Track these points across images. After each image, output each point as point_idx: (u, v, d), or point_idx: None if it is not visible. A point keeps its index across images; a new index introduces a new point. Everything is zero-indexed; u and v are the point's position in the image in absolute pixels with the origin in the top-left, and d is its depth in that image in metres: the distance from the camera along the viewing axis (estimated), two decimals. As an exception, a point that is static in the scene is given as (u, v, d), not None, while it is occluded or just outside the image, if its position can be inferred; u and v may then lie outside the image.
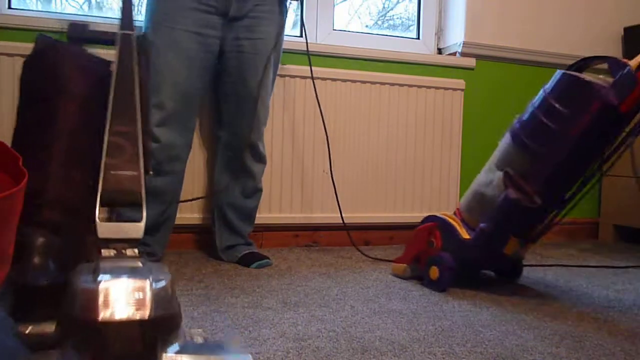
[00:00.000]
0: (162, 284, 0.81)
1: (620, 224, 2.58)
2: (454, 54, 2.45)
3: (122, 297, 0.77)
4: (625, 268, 1.99)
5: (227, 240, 1.92)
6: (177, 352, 0.82)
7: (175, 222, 1.91)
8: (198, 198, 1.99)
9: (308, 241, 2.23)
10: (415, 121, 2.34)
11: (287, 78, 2.13)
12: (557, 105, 1.45)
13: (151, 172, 1.07)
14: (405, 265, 1.68)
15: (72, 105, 1.13)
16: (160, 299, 0.79)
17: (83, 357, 0.76)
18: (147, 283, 0.79)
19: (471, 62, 2.44)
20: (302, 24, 2.14)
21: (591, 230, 2.70)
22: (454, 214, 1.67)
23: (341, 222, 2.10)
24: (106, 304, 0.76)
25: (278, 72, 1.99)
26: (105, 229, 0.90)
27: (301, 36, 2.27)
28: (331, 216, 2.14)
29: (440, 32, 2.54)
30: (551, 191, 1.47)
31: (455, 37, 2.46)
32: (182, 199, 1.96)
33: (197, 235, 2.08)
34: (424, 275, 1.61)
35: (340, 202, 2.10)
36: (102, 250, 0.89)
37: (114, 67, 1.09)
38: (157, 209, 1.76)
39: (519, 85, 2.54)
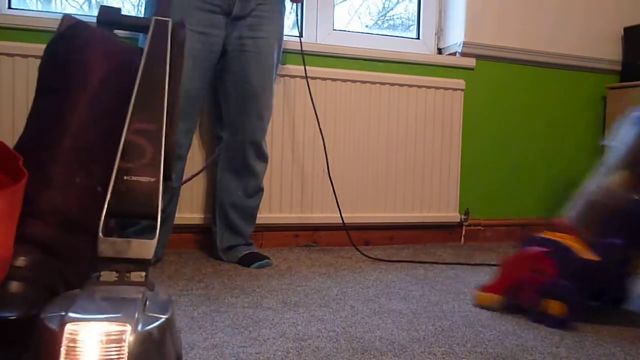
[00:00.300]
0: (153, 328, 0.64)
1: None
2: (454, 54, 2.45)
3: (90, 347, 0.60)
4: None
5: (227, 240, 1.92)
6: None
7: (176, 222, 1.91)
8: (197, 173, 1.98)
9: (308, 241, 2.23)
10: (415, 121, 2.34)
11: (287, 78, 2.13)
12: None
13: (172, 182, 0.96)
14: (496, 295, 1.40)
15: (84, 97, 0.98)
16: (143, 351, 0.62)
17: None
18: (127, 329, 0.61)
19: (471, 62, 2.44)
20: (297, 22, 2.13)
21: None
22: (556, 229, 1.42)
23: (341, 222, 2.10)
24: (70, 354, 0.60)
25: (278, 72, 1.99)
26: (108, 246, 0.75)
27: (300, 36, 2.27)
28: (331, 216, 2.14)
29: (440, 32, 2.54)
30: None
31: (455, 37, 2.46)
32: (182, 198, 1.96)
33: (197, 235, 2.08)
34: (531, 309, 1.32)
35: (340, 202, 2.10)
36: (102, 273, 0.74)
37: (143, 55, 0.93)
38: None
39: (519, 85, 2.54)
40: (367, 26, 2.56)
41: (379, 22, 2.61)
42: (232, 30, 1.79)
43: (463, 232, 2.44)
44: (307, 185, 2.19)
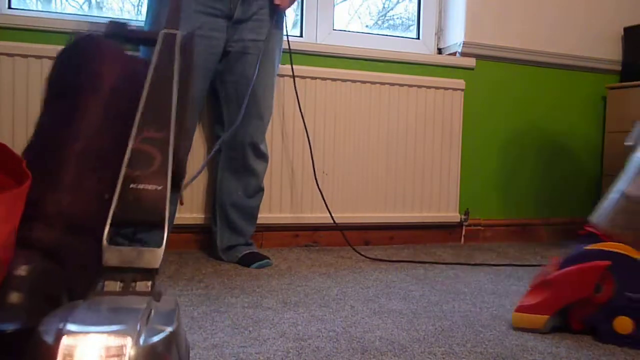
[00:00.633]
0: (156, 341, 0.60)
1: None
2: (454, 54, 2.45)
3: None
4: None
5: (228, 240, 1.92)
6: None
7: (176, 222, 1.91)
8: (198, 173, 1.98)
9: (308, 241, 2.23)
10: (415, 121, 2.34)
11: (286, 78, 2.13)
12: None
13: (182, 196, 0.94)
14: (547, 317, 1.22)
15: (96, 102, 0.97)
16: None
17: None
18: (127, 342, 0.58)
19: (471, 62, 2.44)
20: (277, 17, 2.00)
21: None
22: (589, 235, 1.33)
23: (342, 222, 2.10)
24: None
25: (278, 72, 1.99)
26: (113, 254, 0.72)
27: (301, 36, 2.27)
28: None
29: (440, 32, 2.54)
30: None
31: (455, 37, 2.46)
32: (182, 198, 1.95)
33: (197, 235, 2.08)
34: (595, 329, 1.21)
35: (340, 202, 2.10)
36: (106, 283, 0.71)
37: (151, 65, 0.93)
38: None
39: (519, 85, 2.54)
40: (367, 26, 2.56)
41: (379, 22, 2.61)
42: (233, 33, 1.80)
43: (463, 232, 2.44)
44: (308, 186, 2.19)
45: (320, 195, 2.13)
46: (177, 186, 0.87)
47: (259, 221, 2.01)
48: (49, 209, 0.85)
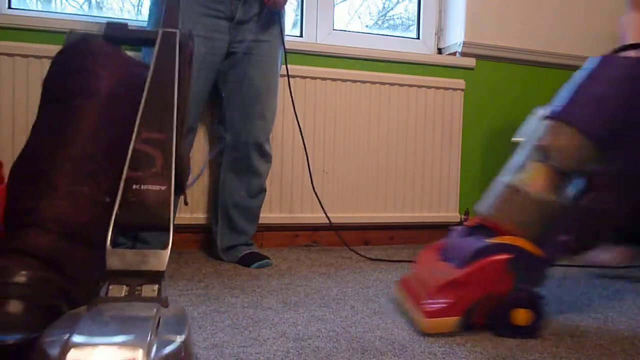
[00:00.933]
0: (167, 351, 0.57)
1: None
2: (454, 54, 2.45)
3: None
4: (625, 268, 1.99)
5: (228, 240, 1.92)
6: None
7: (176, 222, 1.90)
8: (200, 174, 1.98)
9: (308, 241, 2.23)
10: (415, 121, 2.34)
11: (286, 78, 2.12)
12: None
13: (186, 195, 0.92)
14: (457, 318, 1.19)
15: (92, 106, 0.94)
16: None
17: None
18: (139, 355, 0.54)
19: (471, 62, 2.44)
20: (273, 16, 2.00)
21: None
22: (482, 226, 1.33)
23: (341, 222, 2.10)
24: None
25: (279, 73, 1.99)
26: (117, 258, 0.70)
27: (301, 36, 2.27)
28: (331, 216, 2.14)
29: (440, 32, 2.54)
30: None
31: (455, 37, 2.46)
32: (186, 198, 1.96)
33: (198, 235, 2.08)
34: (494, 323, 1.21)
35: (339, 202, 2.10)
36: (111, 287, 0.68)
37: (151, 66, 0.93)
38: None
39: (519, 85, 2.54)
40: (367, 26, 2.56)
41: (379, 22, 2.61)
42: (235, 34, 1.80)
43: (463, 232, 2.44)
44: (307, 185, 2.19)
45: (320, 195, 2.13)
46: (180, 186, 0.86)
47: (259, 221, 2.01)
48: (45, 215, 0.82)
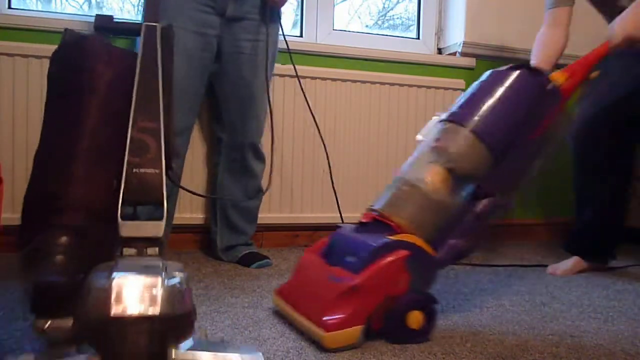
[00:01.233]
0: (175, 281, 0.82)
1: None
2: (454, 54, 2.46)
3: (133, 294, 0.78)
4: (625, 268, 1.99)
5: (227, 240, 1.92)
6: (190, 349, 0.82)
7: (175, 222, 1.91)
8: (200, 195, 2.00)
9: (308, 241, 2.23)
10: (415, 121, 2.34)
11: (286, 78, 2.13)
12: None
13: (173, 167, 1.10)
14: (360, 327, 1.10)
15: (94, 102, 1.11)
16: (172, 296, 0.80)
17: (97, 351, 0.77)
18: (159, 280, 0.79)
19: (471, 62, 2.44)
20: (271, 14, 1.99)
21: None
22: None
23: (342, 222, 2.10)
24: (118, 300, 0.77)
25: (278, 72, 1.99)
26: (127, 227, 0.92)
27: (301, 36, 2.27)
28: (331, 216, 2.13)
29: (440, 32, 2.54)
30: None
31: (455, 37, 2.46)
32: (182, 198, 1.96)
33: (197, 235, 2.08)
34: (390, 326, 1.14)
35: (340, 202, 2.09)
36: (124, 249, 0.91)
37: (138, 60, 1.09)
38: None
39: (519, 85, 2.53)
40: (367, 26, 2.56)
41: (379, 22, 2.62)
42: (228, 31, 1.79)
43: (463, 232, 2.44)
44: (307, 185, 2.19)
45: (320, 195, 2.13)
46: (169, 167, 1.04)
47: (259, 221, 2.01)
48: (71, 201, 1.03)
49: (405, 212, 1.24)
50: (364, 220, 1.30)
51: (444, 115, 1.39)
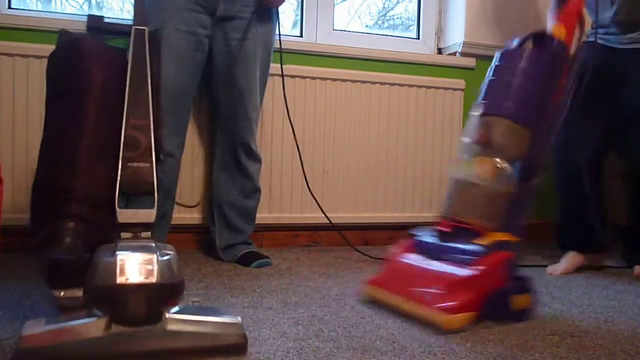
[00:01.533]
0: (167, 258, 1.01)
1: (620, 223, 2.58)
2: (454, 54, 2.45)
3: (134, 267, 0.97)
4: (625, 268, 1.99)
5: (227, 239, 1.92)
6: (178, 312, 1.01)
7: (175, 222, 1.91)
8: (192, 206, 2.03)
9: (308, 241, 2.23)
10: (415, 121, 2.34)
11: (286, 78, 2.13)
12: None
13: (161, 157, 1.24)
14: (470, 313, 1.23)
15: (92, 102, 1.23)
16: (165, 269, 0.99)
17: (104, 314, 0.95)
18: (154, 257, 0.99)
19: (471, 62, 2.44)
20: (267, 14, 2.02)
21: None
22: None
23: (341, 222, 2.10)
24: (122, 272, 0.96)
25: (277, 72, 1.98)
26: (124, 215, 1.10)
27: (301, 36, 2.28)
28: (331, 216, 2.14)
29: (440, 32, 2.54)
30: None
31: (455, 37, 2.46)
32: (179, 199, 1.96)
33: (197, 235, 2.08)
34: (498, 311, 1.28)
35: (339, 202, 2.10)
36: (122, 233, 1.09)
37: (128, 62, 1.23)
38: None
39: (519, 85, 2.53)
40: (367, 26, 2.56)
41: (379, 22, 2.62)
42: (219, 31, 1.79)
43: (463, 232, 2.44)
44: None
45: (320, 195, 2.13)
46: (158, 160, 1.18)
47: (259, 221, 2.01)
48: (77, 194, 1.18)
49: (476, 212, 1.35)
50: (444, 229, 1.39)
51: (477, 109, 1.46)
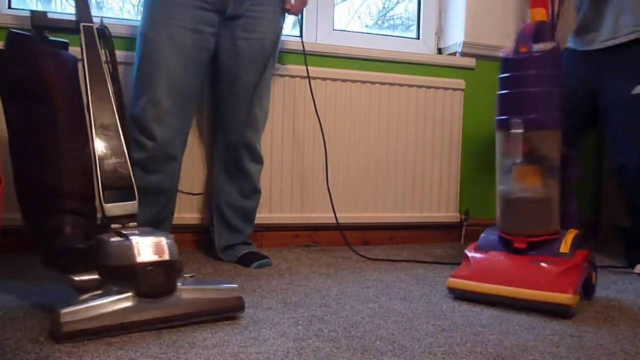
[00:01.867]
0: (171, 240, 1.18)
1: (621, 223, 2.58)
2: (454, 54, 2.45)
3: (149, 247, 1.12)
4: (625, 268, 1.99)
5: (226, 239, 1.91)
6: (182, 285, 1.17)
7: (175, 222, 1.91)
8: (196, 194, 2.02)
9: (308, 241, 2.23)
10: (415, 121, 2.34)
11: (287, 78, 2.13)
12: None
13: (132, 155, 1.39)
14: (578, 295, 1.39)
15: (65, 104, 1.33)
16: (172, 248, 1.16)
17: (124, 291, 1.09)
18: (163, 239, 1.16)
19: (471, 62, 2.44)
20: (299, 23, 2.10)
21: (591, 229, 2.70)
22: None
23: (341, 222, 2.10)
24: (139, 252, 1.11)
25: (278, 72, 1.98)
26: (109, 208, 1.23)
27: (300, 36, 2.27)
28: (331, 216, 2.14)
29: (440, 32, 2.54)
30: None
31: (455, 37, 2.46)
32: (181, 198, 1.96)
33: (197, 235, 2.08)
34: (586, 291, 1.51)
35: (339, 202, 2.10)
36: (112, 225, 1.21)
37: (83, 62, 1.31)
38: (154, 208, 1.75)
39: (519, 85, 2.53)
40: (367, 26, 2.56)
41: (379, 22, 2.62)
42: (225, 29, 1.78)
43: (463, 232, 2.44)
44: (307, 185, 2.19)
45: (320, 195, 2.13)
46: (129, 154, 1.30)
47: (259, 221, 2.01)
48: (66, 191, 1.30)
49: (538, 222, 1.49)
50: (520, 246, 1.48)
51: (516, 127, 1.51)
